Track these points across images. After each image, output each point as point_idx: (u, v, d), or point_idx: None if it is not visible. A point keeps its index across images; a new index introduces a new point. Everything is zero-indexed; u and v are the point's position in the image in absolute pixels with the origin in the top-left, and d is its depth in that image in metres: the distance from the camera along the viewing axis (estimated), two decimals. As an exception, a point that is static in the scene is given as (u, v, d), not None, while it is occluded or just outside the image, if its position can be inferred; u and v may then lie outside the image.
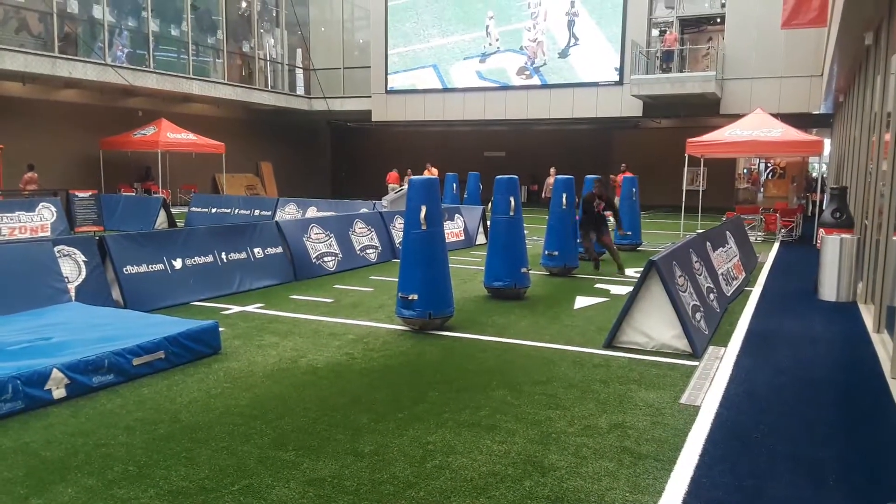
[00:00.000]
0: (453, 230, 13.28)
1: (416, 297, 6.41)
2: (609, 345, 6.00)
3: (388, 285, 8.76)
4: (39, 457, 3.67)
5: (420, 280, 6.42)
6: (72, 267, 6.94)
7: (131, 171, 22.96)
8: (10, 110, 19.53)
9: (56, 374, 4.44)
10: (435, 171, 21.68)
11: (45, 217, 14.25)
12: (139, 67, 21.72)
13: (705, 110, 22.60)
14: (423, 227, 6.39)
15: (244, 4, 27.01)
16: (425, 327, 6.55)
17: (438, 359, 5.71)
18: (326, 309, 7.60)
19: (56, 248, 6.91)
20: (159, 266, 7.69)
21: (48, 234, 13.79)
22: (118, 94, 22.38)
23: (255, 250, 8.96)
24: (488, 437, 4.01)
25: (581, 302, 8.16)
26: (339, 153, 33.10)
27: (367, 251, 10.99)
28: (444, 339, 6.32)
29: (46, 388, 4.37)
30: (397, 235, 11.41)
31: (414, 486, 3.39)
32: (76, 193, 15.58)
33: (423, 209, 6.37)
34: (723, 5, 22.35)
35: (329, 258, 10.09)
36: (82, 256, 7.08)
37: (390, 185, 23.23)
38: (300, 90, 29.47)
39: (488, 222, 10.95)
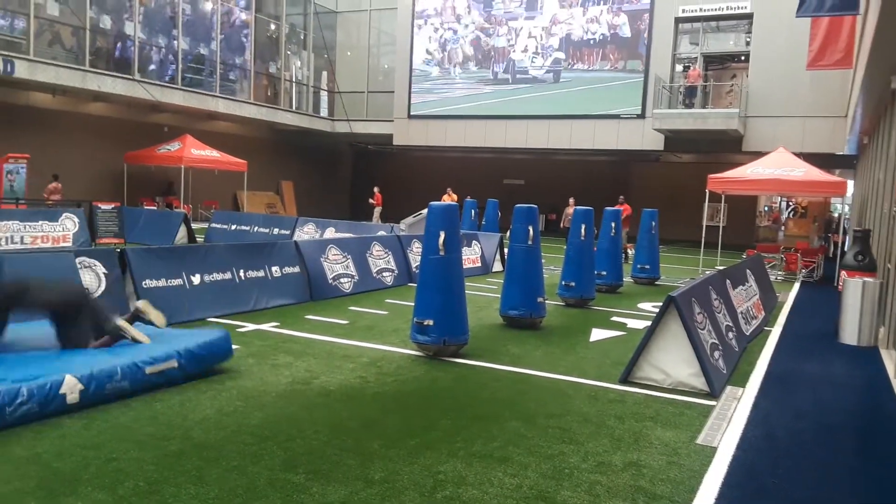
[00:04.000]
0: (470, 256, 13.28)
1: (431, 322, 6.38)
2: (625, 380, 5.93)
3: (404, 309, 8.74)
4: (51, 468, 3.67)
5: (436, 306, 6.40)
6: (92, 278, 7.00)
7: (154, 186, 23.28)
8: (39, 121, 19.93)
9: (70, 379, 4.46)
10: (454, 196, 21.72)
11: (67, 227, 14.42)
12: (166, 84, 22.14)
13: (727, 147, 22.54)
14: (442, 253, 6.39)
15: (273, 27, 27.51)
16: (439, 354, 6.52)
17: (451, 386, 5.67)
18: (341, 331, 7.59)
19: (77, 260, 6.98)
20: (178, 281, 7.74)
21: (70, 244, 13.95)
22: (145, 110, 22.78)
23: (273, 269, 9.00)
24: (500, 470, 3.95)
25: (597, 334, 8.09)
26: (359, 175, 33.35)
27: (384, 274, 11.00)
28: (458, 367, 6.28)
29: (61, 392, 4.39)
30: (414, 259, 11.42)
31: (424, 517, 3.34)
32: (99, 205, 15.76)
33: (442, 235, 6.38)
34: (747, 43, 22.40)
35: (345, 279, 10.11)
36: (102, 268, 7.15)
37: (376, 208, 23.25)
38: (324, 112, 29.85)
39: (505, 250, 10.94)
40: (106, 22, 20.84)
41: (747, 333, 7.94)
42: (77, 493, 3.39)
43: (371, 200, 23.53)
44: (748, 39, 22.31)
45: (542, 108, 25.16)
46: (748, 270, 9.66)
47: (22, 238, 13.45)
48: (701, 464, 4.20)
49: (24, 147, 18.24)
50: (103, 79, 19.91)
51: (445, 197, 20.87)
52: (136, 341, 5.29)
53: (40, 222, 14.02)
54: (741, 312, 8.03)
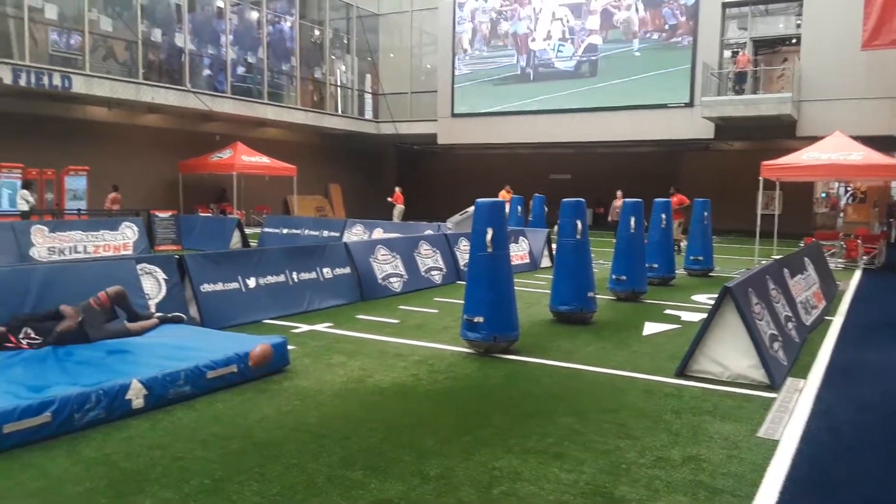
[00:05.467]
0: (518, 253, 13.24)
1: (481, 319, 6.39)
2: (681, 373, 5.83)
3: (453, 307, 8.77)
4: (120, 468, 3.82)
5: (485, 303, 6.41)
6: (152, 284, 7.24)
7: (208, 193, 23.91)
8: (97, 134, 20.68)
9: (136, 385, 4.63)
10: (508, 194, 21.53)
11: (127, 236, 14.93)
12: (217, 93, 22.70)
13: (780, 132, 21.88)
14: (489, 250, 6.39)
15: (317, 33, 27.91)
16: (490, 350, 6.52)
17: (503, 383, 5.67)
18: (392, 330, 7.67)
19: (138, 267, 7.23)
20: (234, 285, 7.94)
21: (130, 252, 14.43)
22: (197, 119, 23.40)
23: (325, 270, 9.15)
24: (556, 466, 3.94)
25: (650, 328, 7.97)
26: (405, 175, 33.57)
27: (432, 273, 11.06)
28: (510, 363, 6.28)
29: (127, 397, 4.56)
30: (462, 257, 11.44)
31: (481, 512, 3.36)
32: (157, 214, 16.29)
33: (490, 231, 6.38)
34: (798, 25, 21.71)
35: (395, 279, 10.20)
36: (162, 274, 7.38)
37: (396, 207, 23.30)
38: (368, 114, 30.15)
39: (553, 245, 10.87)
40: (157, 35, 21.50)
41: (807, 323, 7.71)
42: (145, 492, 3.52)
43: (389, 199, 23.64)
44: (799, 22, 21.61)
45: (585, 100, 24.88)
46: (806, 259, 9.37)
47: (85, 247, 13.98)
48: (763, 457, 4.10)
49: (83, 159, 18.97)
50: (156, 90, 20.55)
51: (503, 193, 20.73)
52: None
53: (101, 232, 14.54)
54: (800, 302, 7.80)
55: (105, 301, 5.96)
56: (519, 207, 18.84)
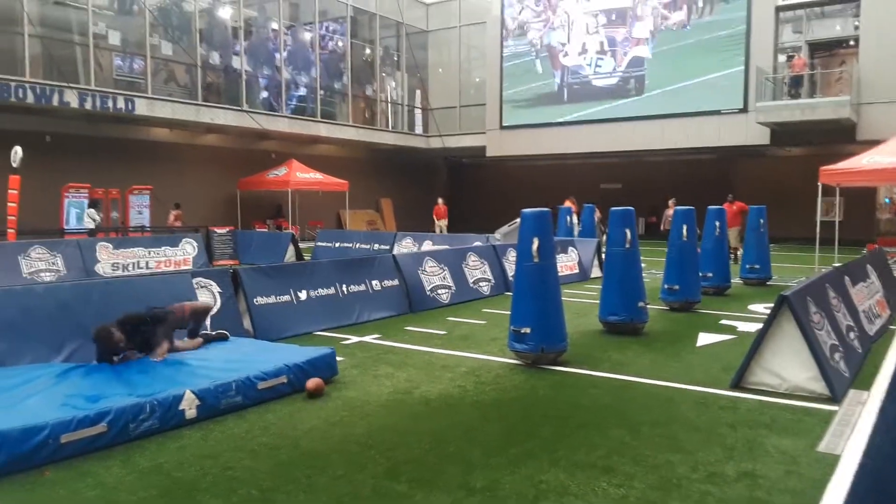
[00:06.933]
0: (567, 263, 13.10)
1: (528, 330, 6.34)
2: (736, 385, 5.65)
3: (501, 318, 8.73)
4: (172, 477, 3.92)
5: (532, 313, 6.36)
6: (208, 298, 7.44)
7: (265, 209, 24.51)
8: (159, 154, 21.46)
9: (189, 395, 4.75)
10: (574, 203, 21.24)
11: (187, 251, 15.41)
12: (273, 112, 23.31)
13: (839, 137, 21.11)
14: (536, 260, 6.35)
15: (368, 51, 28.39)
16: (538, 361, 6.46)
17: (551, 394, 5.60)
18: (439, 341, 7.68)
19: (194, 280, 7.44)
20: (286, 297, 8.09)
21: (190, 266, 14.89)
22: (254, 138, 24.05)
23: (374, 283, 9.24)
24: (604, 480, 3.86)
25: (704, 339, 7.76)
26: (455, 188, 33.70)
27: (481, 284, 11.04)
28: (557, 375, 6.20)
29: (181, 408, 4.69)
30: (510, 268, 11.39)
31: (526, 525, 3.32)
32: (215, 230, 16.77)
33: (536, 241, 6.34)
34: (856, 27, 20.97)
35: (443, 290, 10.23)
36: (217, 288, 7.58)
37: (439, 222, 23.29)
38: (418, 129, 30.44)
39: (603, 255, 10.72)
40: (215, 58, 22.23)
41: (871, 333, 7.38)
42: (195, 501, 3.60)
43: (437, 217, 23.69)
44: (856, 23, 20.87)
45: (634, 109, 24.55)
46: (869, 266, 8.98)
47: (147, 263, 14.49)
48: (823, 473, 3.93)
49: (146, 179, 19.69)
50: (215, 111, 21.22)
51: (568, 203, 20.53)
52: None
53: (163, 248, 15.06)
54: (863, 311, 7.47)
55: (185, 313, 6.08)
56: (568, 217, 18.62)
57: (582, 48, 25.34)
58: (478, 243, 13.68)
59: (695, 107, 23.27)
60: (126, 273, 13.70)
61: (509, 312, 6.67)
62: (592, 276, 13.51)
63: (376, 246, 17.09)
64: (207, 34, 22.14)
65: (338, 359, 6.05)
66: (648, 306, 8.18)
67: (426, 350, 7.19)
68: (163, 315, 5.79)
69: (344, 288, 8.82)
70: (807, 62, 21.41)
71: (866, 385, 5.76)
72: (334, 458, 4.18)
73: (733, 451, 4.28)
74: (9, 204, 14.35)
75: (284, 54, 24.20)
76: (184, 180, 21.76)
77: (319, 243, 18.44)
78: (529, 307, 6.39)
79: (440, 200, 24.61)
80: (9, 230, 14.19)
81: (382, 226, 29.36)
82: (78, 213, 16.91)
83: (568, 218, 18.60)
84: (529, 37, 26.46)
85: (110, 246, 14.11)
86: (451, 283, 10.44)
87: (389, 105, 29.49)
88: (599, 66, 25.07)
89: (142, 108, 19.08)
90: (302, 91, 25.00)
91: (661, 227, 21.13)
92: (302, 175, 22.79)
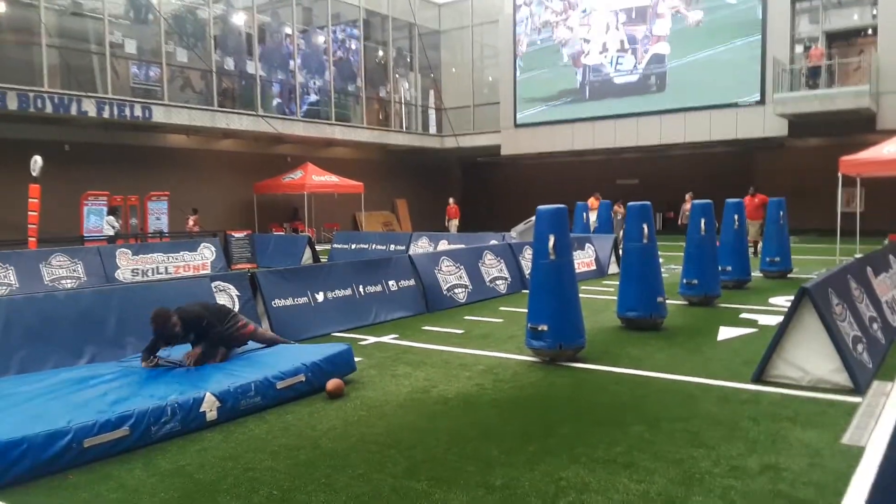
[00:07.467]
0: (584, 260, 13.04)
1: (545, 327, 6.32)
2: (758, 379, 5.58)
3: (518, 316, 8.70)
4: (193, 479, 3.94)
5: (550, 311, 6.33)
6: (226, 301, 7.49)
7: (281, 212, 24.65)
8: (176, 160, 21.67)
9: (209, 397, 4.79)
10: (598, 200, 21.10)
11: (205, 256, 15.53)
12: (287, 116, 23.45)
13: (859, 127, 20.79)
14: (552, 257, 6.32)
15: (381, 53, 28.45)
16: (556, 359, 6.43)
17: (570, 391, 5.58)
18: (457, 340, 7.67)
19: (213, 284, 7.51)
20: (304, 299, 8.13)
21: (208, 271, 15.01)
22: (269, 142, 24.20)
23: (390, 283, 9.26)
24: (625, 476, 3.83)
25: (725, 333, 7.68)
26: (470, 187, 33.65)
27: (497, 282, 11.02)
28: (576, 371, 6.17)
29: (201, 410, 4.72)
30: (527, 266, 11.35)
31: (546, 522, 3.30)
32: (233, 234, 16.90)
33: (552, 238, 6.31)
34: (874, 16, 20.65)
35: (459, 290, 10.22)
36: (236, 291, 7.64)
37: (451, 221, 23.25)
38: (432, 129, 30.45)
39: (620, 251, 10.65)
40: (230, 64, 22.40)
41: (894, 324, 7.26)
42: (216, 502, 3.62)
43: (450, 217, 23.67)
44: (874, 12, 20.54)
45: (650, 103, 24.36)
46: (891, 256, 8.84)
47: (166, 268, 14.63)
48: (847, 465, 3.88)
49: (164, 185, 19.89)
50: (230, 117, 21.40)
51: (592, 200, 20.45)
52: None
53: (181, 253, 15.19)
54: (886, 302, 7.36)
55: (246, 332, 6.00)
56: (584, 214, 18.54)
57: (603, 47, 25.22)
58: (494, 242, 13.65)
59: (712, 100, 23.05)
60: (146, 278, 13.84)
61: (526, 310, 6.64)
62: (610, 272, 13.43)
63: (392, 247, 17.12)
64: (222, 40, 22.31)
65: (356, 359, 6.06)
66: (668, 301, 8.11)
67: (444, 349, 7.19)
68: (223, 315, 5.78)
69: (361, 289, 8.84)
70: (824, 52, 21.11)
71: (890, 376, 5.67)
72: (353, 457, 4.19)
73: (756, 445, 4.24)
74: (29, 213, 14.57)
75: (298, 59, 24.33)
76: (201, 185, 21.95)
77: (336, 245, 18.50)
78: (546, 304, 6.36)
79: (451, 200, 24.63)
80: (30, 238, 14.41)
81: (398, 226, 29.41)
82: (97, 220, 17.14)
83: (584, 214, 18.50)
84: (549, 34, 26.35)
85: (129, 252, 14.25)
86: (468, 282, 10.42)
87: (403, 106, 29.52)
88: (620, 64, 24.93)
89: (159, 115, 19.27)
90: (314, 96, 25.10)
91: (679, 222, 20.98)
92: (317, 178, 22.90)
